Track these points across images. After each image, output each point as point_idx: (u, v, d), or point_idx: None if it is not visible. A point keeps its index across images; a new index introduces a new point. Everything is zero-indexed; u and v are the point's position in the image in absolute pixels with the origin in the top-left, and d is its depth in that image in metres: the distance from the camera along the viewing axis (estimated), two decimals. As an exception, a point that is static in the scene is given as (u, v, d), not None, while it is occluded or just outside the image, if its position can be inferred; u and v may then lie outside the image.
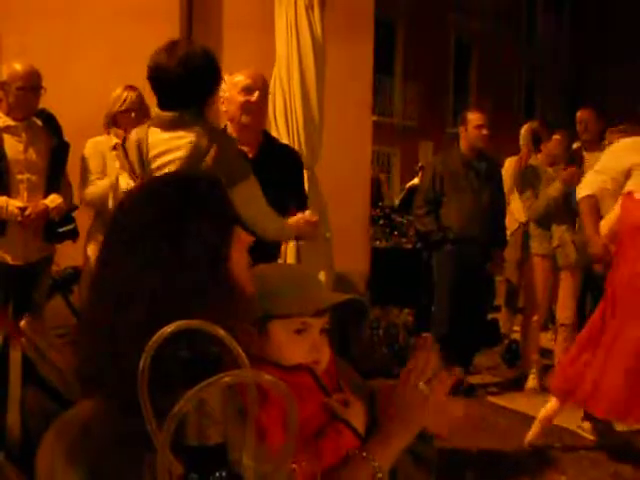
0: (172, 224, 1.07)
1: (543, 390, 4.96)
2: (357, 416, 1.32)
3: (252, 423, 0.62)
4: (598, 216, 3.85)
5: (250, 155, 3.15)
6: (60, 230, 3.90)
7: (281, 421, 1.13)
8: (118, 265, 1.06)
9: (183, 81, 2.61)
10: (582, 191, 3.92)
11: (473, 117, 5.00)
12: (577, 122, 5.26)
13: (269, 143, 3.33)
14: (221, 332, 0.63)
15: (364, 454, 1.24)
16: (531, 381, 5.09)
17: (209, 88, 2.71)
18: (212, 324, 0.64)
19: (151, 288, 1.01)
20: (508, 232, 5.44)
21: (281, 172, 3.13)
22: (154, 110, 2.91)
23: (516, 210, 5.48)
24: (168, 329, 0.67)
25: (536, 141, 5.37)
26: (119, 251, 1.08)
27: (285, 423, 1.12)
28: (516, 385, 5.21)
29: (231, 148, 2.75)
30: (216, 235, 1.10)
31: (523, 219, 5.35)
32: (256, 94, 3.16)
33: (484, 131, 4.93)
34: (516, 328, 5.92)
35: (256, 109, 3.17)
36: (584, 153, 5.16)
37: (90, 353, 1.05)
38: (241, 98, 3.15)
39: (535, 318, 5.13)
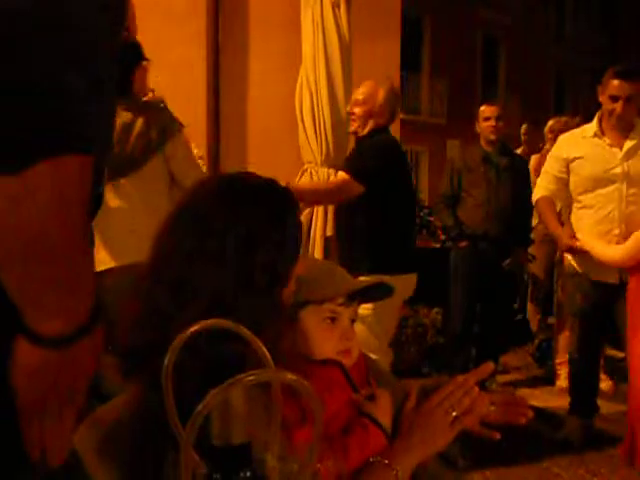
0: (274, 228, 1.10)
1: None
2: (383, 411, 1.32)
3: (277, 422, 0.62)
4: (555, 213, 3.97)
5: None
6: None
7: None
8: (181, 256, 1.06)
9: None
10: (536, 194, 4.05)
11: (482, 109, 4.95)
12: None
13: None
14: (246, 331, 0.63)
15: (386, 462, 1.25)
16: (562, 380, 5.03)
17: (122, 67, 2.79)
18: (236, 323, 0.64)
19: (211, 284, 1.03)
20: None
21: None
22: None
23: None
24: (193, 328, 0.67)
25: None
26: (188, 242, 1.07)
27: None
28: (546, 384, 5.16)
29: (160, 115, 2.97)
30: (287, 259, 1.14)
31: None
32: None
33: (491, 122, 4.84)
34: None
35: None
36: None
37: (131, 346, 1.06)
38: None
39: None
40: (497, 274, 4.78)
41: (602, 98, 3.72)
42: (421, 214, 7.33)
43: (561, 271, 5.16)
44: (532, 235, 5.63)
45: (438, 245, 6.33)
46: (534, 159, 5.73)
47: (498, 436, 1.36)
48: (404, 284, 3.38)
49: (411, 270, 3.54)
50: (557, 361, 5.21)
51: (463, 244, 4.81)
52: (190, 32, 4.42)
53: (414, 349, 5.28)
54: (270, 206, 1.13)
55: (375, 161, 3.43)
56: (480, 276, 4.77)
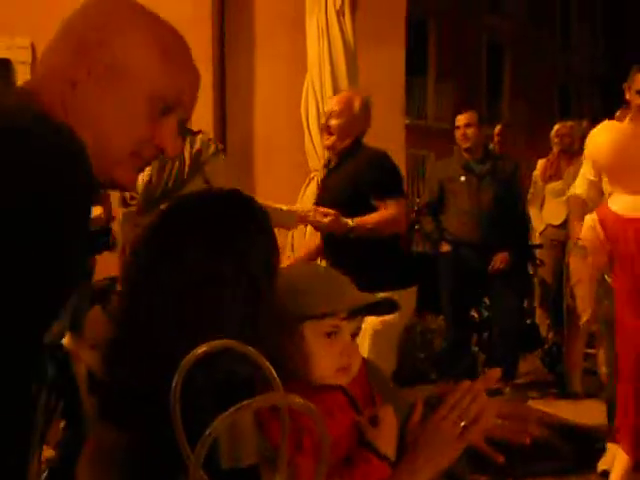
0: (235, 243, 1.07)
1: (586, 395, 4.88)
2: (387, 437, 1.27)
3: (285, 445, 0.62)
4: (581, 212, 3.78)
5: None
6: (100, 241, 3.95)
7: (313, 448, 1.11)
8: (160, 279, 1.04)
9: None
10: (569, 192, 4.09)
11: (456, 119, 4.96)
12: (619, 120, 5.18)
13: None
14: (254, 352, 0.62)
15: None
16: (574, 386, 4.99)
17: None
18: (244, 344, 0.63)
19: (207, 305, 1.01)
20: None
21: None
22: None
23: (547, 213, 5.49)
24: (201, 349, 0.66)
25: None
26: (165, 264, 1.05)
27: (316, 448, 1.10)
28: (556, 389, 5.13)
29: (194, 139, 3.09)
30: (271, 260, 1.12)
31: (554, 221, 5.33)
32: None
33: (460, 131, 4.83)
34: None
35: None
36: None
37: (127, 370, 1.04)
38: None
39: (584, 319, 4.97)
40: (486, 280, 4.78)
41: (629, 95, 3.65)
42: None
43: (569, 275, 5.15)
44: (540, 239, 5.63)
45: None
46: (540, 163, 5.71)
47: (502, 459, 1.31)
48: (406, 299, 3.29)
49: (411, 283, 3.42)
50: (569, 366, 5.16)
51: (445, 248, 4.82)
52: (195, 40, 4.40)
53: (421, 356, 5.28)
54: (226, 220, 1.10)
55: (398, 176, 3.43)
56: (465, 282, 4.77)
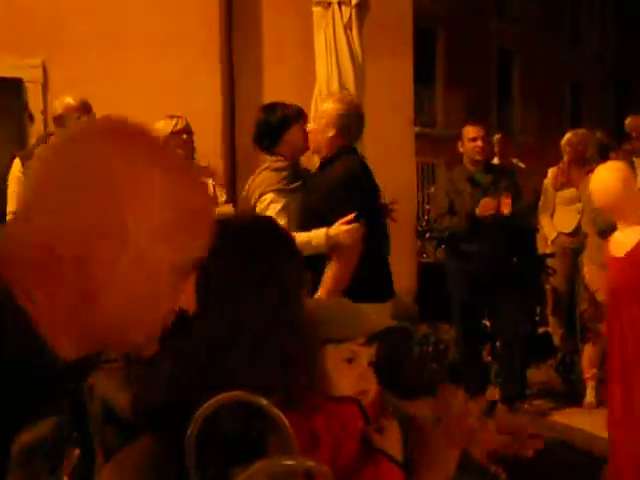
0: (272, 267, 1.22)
1: (600, 405, 4.83)
2: (393, 441, 1.33)
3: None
4: None
5: None
6: None
7: None
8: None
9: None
10: None
11: (467, 130, 4.96)
12: (629, 129, 5.18)
13: None
14: (269, 406, 0.62)
15: None
16: (589, 396, 4.95)
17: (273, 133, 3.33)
18: (257, 396, 0.63)
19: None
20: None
21: None
22: None
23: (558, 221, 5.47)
24: (216, 399, 0.66)
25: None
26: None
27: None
28: (570, 399, 5.09)
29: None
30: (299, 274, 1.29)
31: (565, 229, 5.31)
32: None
33: (478, 143, 4.84)
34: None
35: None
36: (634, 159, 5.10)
37: (149, 388, 1.07)
38: None
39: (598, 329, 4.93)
40: (493, 289, 4.76)
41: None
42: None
43: (586, 284, 5.11)
44: (552, 247, 5.61)
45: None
46: (551, 171, 5.69)
47: (504, 476, 1.34)
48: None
49: (387, 298, 3.30)
50: (586, 376, 5.09)
51: (457, 261, 4.76)
52: (205, 57, 4.46)
53: (435, 366, 5.25)
54: (264, 250, 1.26)
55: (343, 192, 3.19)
56: (475, 292, 4.76)
